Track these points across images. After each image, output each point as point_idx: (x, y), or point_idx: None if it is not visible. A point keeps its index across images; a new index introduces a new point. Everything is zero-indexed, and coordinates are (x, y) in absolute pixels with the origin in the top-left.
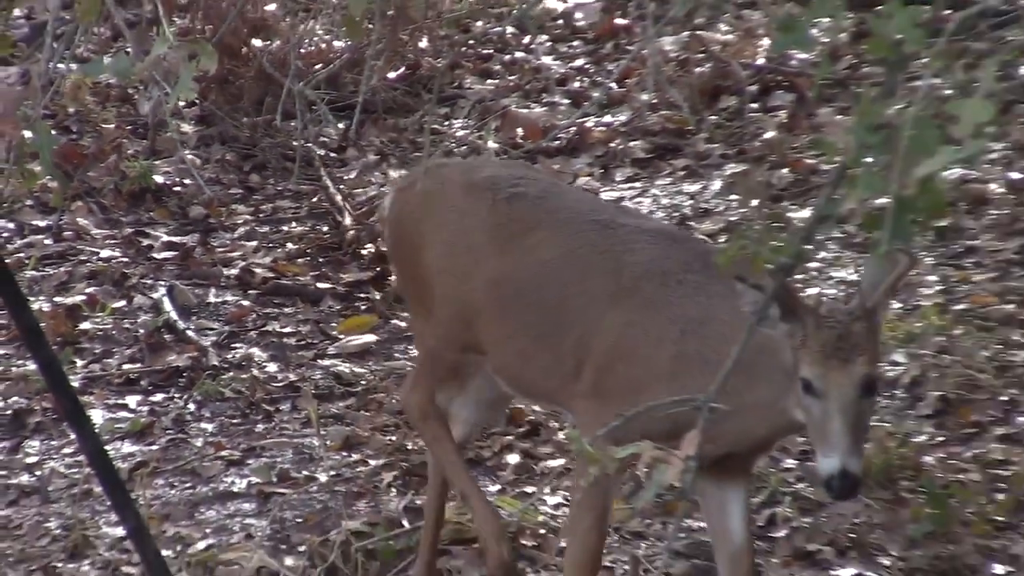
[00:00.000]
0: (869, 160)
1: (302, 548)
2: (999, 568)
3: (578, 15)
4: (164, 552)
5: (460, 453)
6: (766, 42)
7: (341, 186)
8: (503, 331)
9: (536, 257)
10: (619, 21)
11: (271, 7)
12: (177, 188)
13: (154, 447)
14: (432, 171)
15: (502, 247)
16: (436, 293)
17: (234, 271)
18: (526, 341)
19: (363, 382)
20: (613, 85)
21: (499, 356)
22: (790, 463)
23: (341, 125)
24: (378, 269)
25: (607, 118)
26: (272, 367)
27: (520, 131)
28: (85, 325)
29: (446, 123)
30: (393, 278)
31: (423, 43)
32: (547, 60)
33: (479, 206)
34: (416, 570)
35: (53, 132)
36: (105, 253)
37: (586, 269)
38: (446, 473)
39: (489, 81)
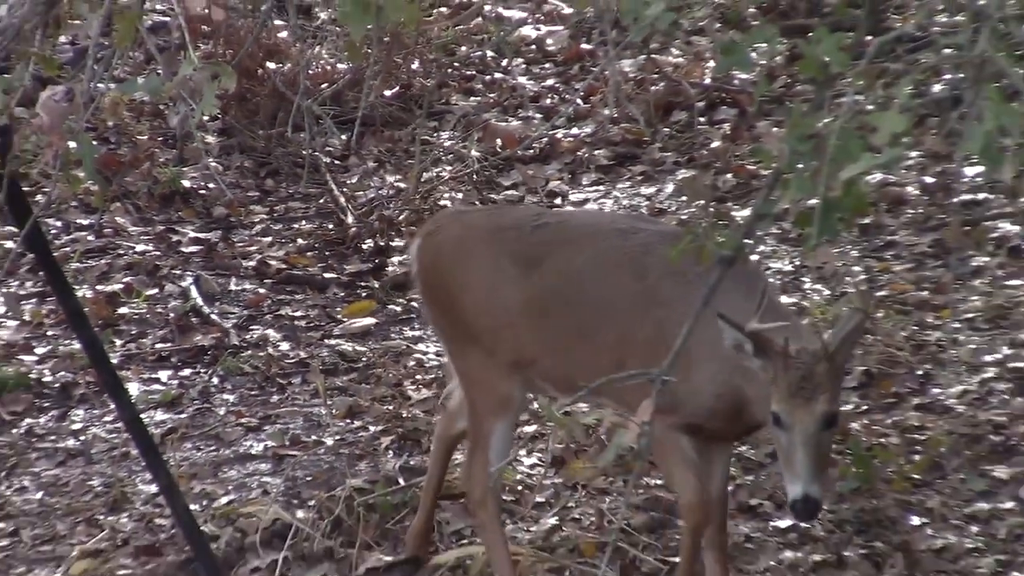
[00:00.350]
0: (800, 166)
1: (311, 502)
2: (916, 520)
3: (549, 41)
4: (192, 506)
5: (505, 543)
6: (711, 64)
7: (344, 189)
8: (548, 338)
9: (568, 267)
10: (584, 46)
11: (283, 34)
12: (202, 191)
13: (183, 415)
14: (455, 219)
15: (535, 269)
16: (479, 326)
17: (251, 263)
18: (569, 343)
19: (364, 359)
20: (579, 101)
21: (546, 363)
22: None
23: (344, 136)
24: (376, 261)
25: (574, 130)
26: (285, 346)
27: (499, 141)
28: (123, 310)
29: (435, 134)
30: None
31: (415, 65)
32: (522, 80)
33: (508, 243)
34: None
35: (94, 143)
36: (140, 247)
37: (614, 272)
38: (490, 558)
39: (472, 98)
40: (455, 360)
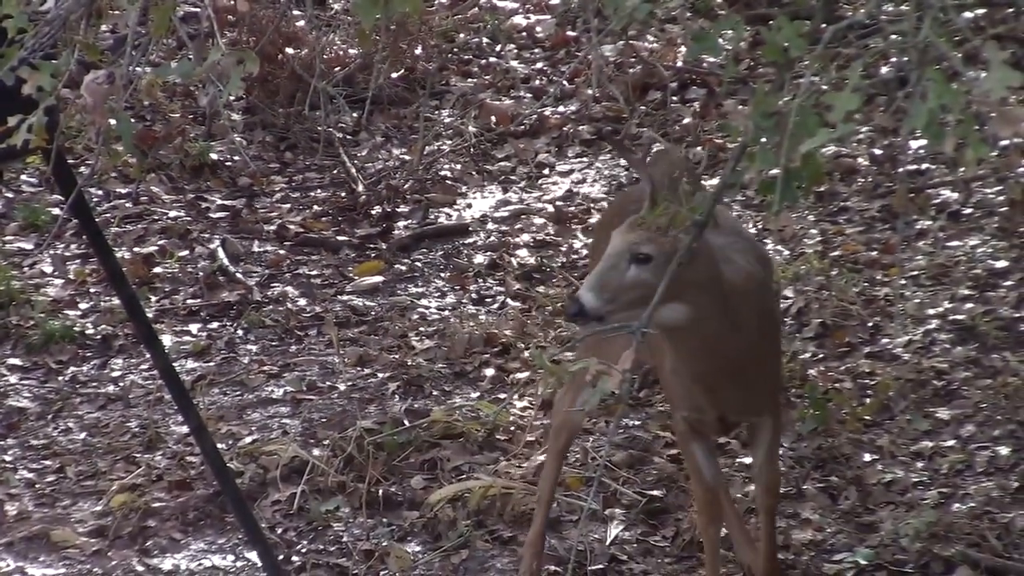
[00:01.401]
0: (764, 140)
1: (326, 442)
2: (867, 456)
3: (538, 29)
4: (219, 445)
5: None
6: (683, 49)
7: (355, 161)
8: None
9: None
10: (570, 33)
11: (301, 23)
12: (228, 163)
13: (211, 364)
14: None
15: None
16: None
17: (272, 227)
18: None
19: (373, 313)
20: (565, 83)
21: None
22: None
23: (355, 114)
24: (384, 226)
25: (561, 108)
26: (302, 302)
27: (493, 118)
28: (157, 269)
29: (436, 112)
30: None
31: (418, 51)
32: (514, 63)
33: None
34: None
35: (132, 120)
36: (172, 214)
37: None
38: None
39: (469, 80)
40: None
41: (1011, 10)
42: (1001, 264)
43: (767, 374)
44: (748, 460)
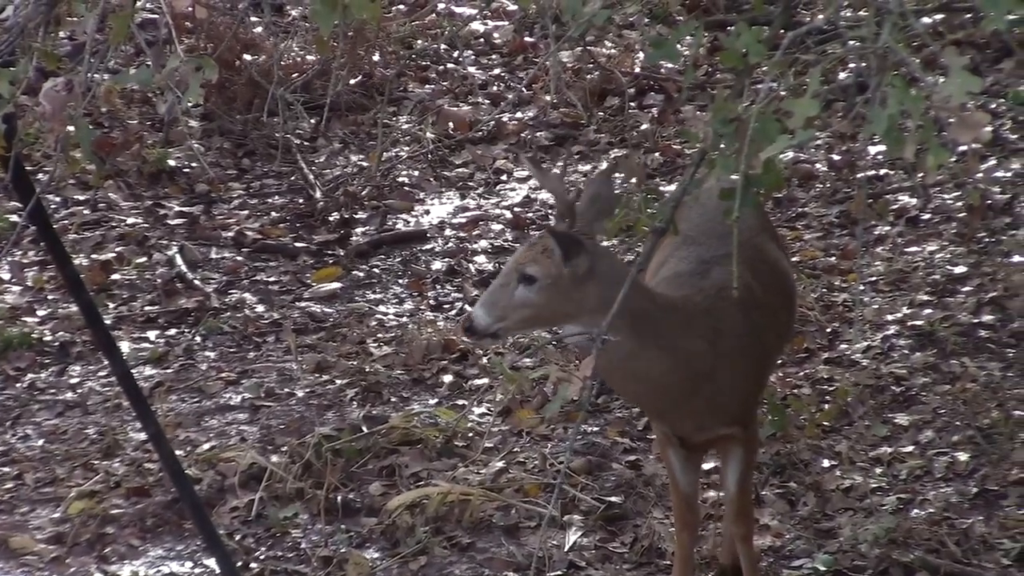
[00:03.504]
0: (723, 146)
1: (284, 448)
2: (826, 462)
3: (496, 35)
4: (177, 452)
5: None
6: (641, 55)
7: (313, 167)
8: None
9: None
10: (527, 39)
11: (258, 30)
12: (186, 170)
13: (169, 370)
14: None
15: None
16: None
17: (230, 234)
18: None
19: (331, 320)
20: (523, 89)
21: None
22: None
23: (312, 120)
24: (342, 232)
25: (519, 114)
26: (260, 308)
27: (451, 124)
28: (115, 276)
29: (394, 118)
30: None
31: (376, 57)
32: (472, 70)
33: None
34: None
35: (90, 127)
36: (130, 220)
37: None
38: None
39: (427, 86)
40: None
41: (969, 16)
42: (960, 270)
43: (723, 400)
44: (707, 466)
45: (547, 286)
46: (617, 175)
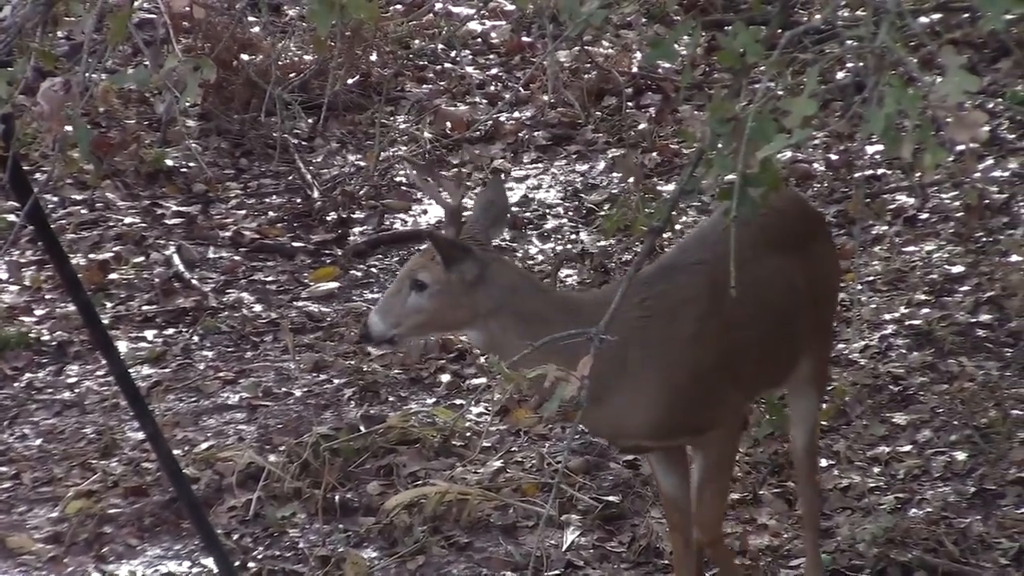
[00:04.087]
0: (720, 146)
1: (282, 448)
2: (824, 462)
3: (493, 35)
4: (175, 451)
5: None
6: (638, 55)
7: (310, 167)
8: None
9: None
10: (525, 39)
11: (256, 30)
12: (183, 169)
13: (167, 370)
14: None
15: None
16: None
17: (227, 233)
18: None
19: (328, 319)
20: (520, 88)
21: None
22: None
23: (310, 120)
24: (339, 232)
25: (516, 114)
26: (258, 308)
27: (449, 124)
28: (113, 276)
29: (392, 118)
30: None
31: (373, 57)
32: (469, 69)
33: None
34: None
35: (88, 127)
36: (128, 220)
37: None
38: None
39: (425, 86)
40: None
41: (967, 15)
42: (957, 269)
43: (634, 413)
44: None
45: (437, 292)
46: (501, 185)
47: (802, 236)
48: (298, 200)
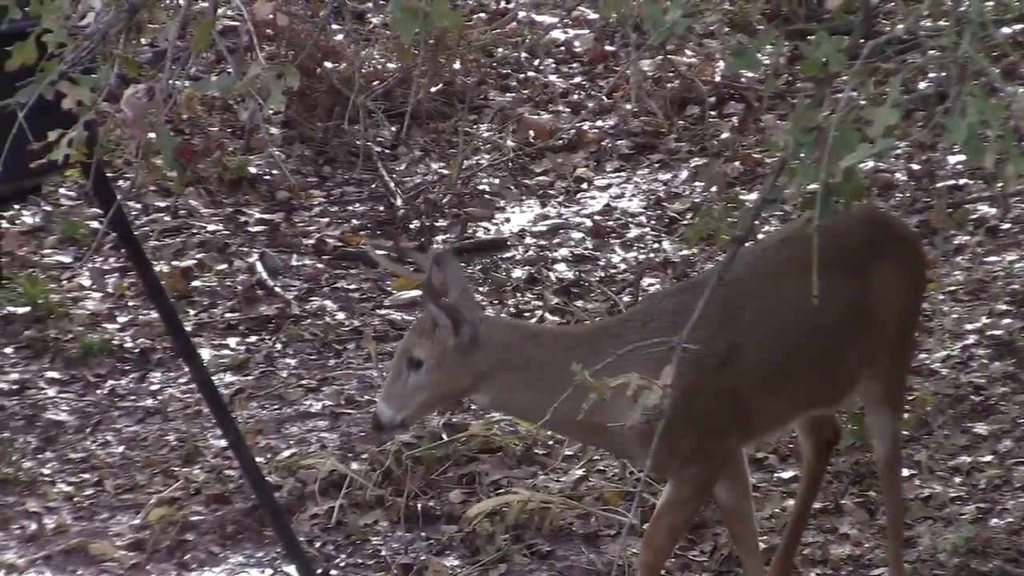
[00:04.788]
0: (803, 155)
1: (364, 456)
2: (905, 471)
3: (576, 43)
4: (257, 459)
5: None
6: (721, 64)
7: (393, 175)
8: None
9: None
10: (608, 48)
11: (339, 37)
12: (266, 177)
13: (249, 377)
14: None
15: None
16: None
17: (311, 241)
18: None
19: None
20: (603, 97)
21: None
22: None
23: (393, 128)
24: (422, 240)
25: (599, 123)
26: (341, 315)
27: (532, 133)
28: (196, 283)
29: (475, 127)
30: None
31: (456, 65)
32: (552, 78)
33: None
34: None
35: (171, 134)
36: (211, 227)
37: None
38: None
39: (508, 94)
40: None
41: None
42: None
43: (628, 446)
44: (785, 475)
45: (433, 365)
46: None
47: (856, 259)
48: (381, 208)
